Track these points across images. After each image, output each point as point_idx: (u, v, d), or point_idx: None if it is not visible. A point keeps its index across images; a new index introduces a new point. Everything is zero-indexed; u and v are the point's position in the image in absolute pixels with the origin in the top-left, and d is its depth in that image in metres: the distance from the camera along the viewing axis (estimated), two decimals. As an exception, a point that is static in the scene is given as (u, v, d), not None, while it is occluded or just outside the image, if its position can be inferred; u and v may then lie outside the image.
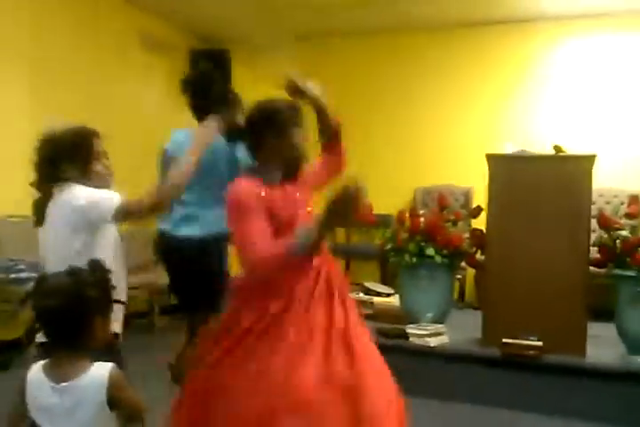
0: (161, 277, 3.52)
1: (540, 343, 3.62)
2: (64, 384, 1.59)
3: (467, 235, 4.24)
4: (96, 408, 1.58)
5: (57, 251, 2.07)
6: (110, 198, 2.03)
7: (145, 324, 5.40)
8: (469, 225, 4.68)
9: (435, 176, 5.91)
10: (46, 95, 4.81)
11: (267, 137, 2.00)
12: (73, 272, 1.64)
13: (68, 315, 1.59)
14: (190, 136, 2.37)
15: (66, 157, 2.12)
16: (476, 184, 5.17)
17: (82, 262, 1.71)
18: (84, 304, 1.60)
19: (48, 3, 4.87)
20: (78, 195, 2.04)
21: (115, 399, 1.60)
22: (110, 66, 5.44)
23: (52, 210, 2.10)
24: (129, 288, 2.27)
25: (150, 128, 4.92)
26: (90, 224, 2.04)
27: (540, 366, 3.62)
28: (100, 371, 1.61)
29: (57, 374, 1.61)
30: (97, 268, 1.69)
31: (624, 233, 3.62)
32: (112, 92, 5.37)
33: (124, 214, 2.04)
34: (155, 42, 5.92)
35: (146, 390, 1.90)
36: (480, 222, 4.21)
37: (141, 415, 1.66)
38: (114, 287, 1.71)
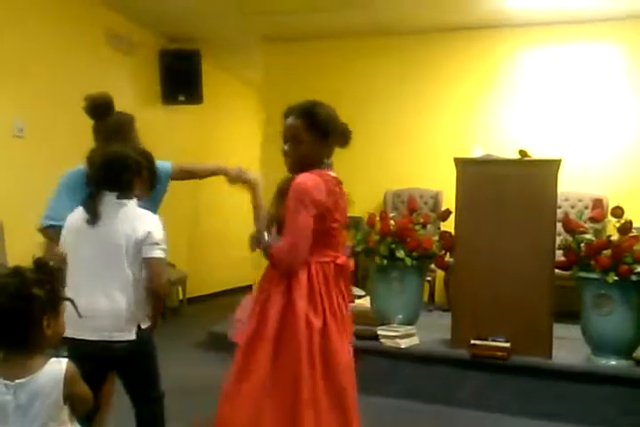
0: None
1: (507, 345, 3.68)
2: (19, 381, 1.58)
3: (436, 237, 4.29)
4: (51, 403, 1.59)
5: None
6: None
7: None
8: (438, 228, 4.74)
9: (404, 180, 5.96)
10: (17, 93, 4.74)
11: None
12: (17, 272, 1.62)
13: (14, 315, 1.58)
14: None
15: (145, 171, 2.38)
16: (446, 188, 5.22)
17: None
18: (29, 304, 1.59)
19: (20, 2, 4.81)
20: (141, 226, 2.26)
21: (69, 394, 1.62)
22: (81, 64, 5.38)
23: (113, 221, 2.26)
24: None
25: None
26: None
27: (508, 367, 3.68)
28: (56, 367, 1.62)
29: (10, 371, 1.59)
30: (42, 266, 1.67)
31: (588, 236, 3.70)
32: (86, 90, 5.29)
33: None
34: (122, 41, 5.86)
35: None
36: (449, 225, 4.27)
37: (89, 407, 1.71)
38: (62, 286, 1.70)
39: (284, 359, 2.03)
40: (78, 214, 2.31)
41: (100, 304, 2.21)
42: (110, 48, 5.75)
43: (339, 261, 2.17)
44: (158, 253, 2.24)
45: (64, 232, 2.34)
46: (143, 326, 2.28)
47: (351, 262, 2.24)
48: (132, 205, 2.31)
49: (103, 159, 2.32)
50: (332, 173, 2.16)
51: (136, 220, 2.26)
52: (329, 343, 2.05)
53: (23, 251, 4.30)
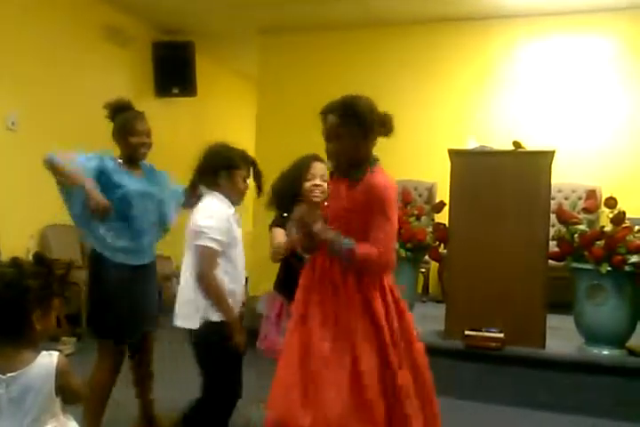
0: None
1: (501, 335, 3.70)
2: (11, 375, 1.59)
3: (430, 229, 4.30)
4: (44, 396, 1.60)
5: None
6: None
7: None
8: (432, 220, 4.75)
9: (399, 171, 5.91)
10: (10, 86, 4.72)
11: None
12: (16, 263, 1.65)
13: (8, 305, 1.59)
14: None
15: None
16: (440, 179, 5.22)
17: None
18: (24, 295, 1.60)
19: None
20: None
21: (61, 386, 1.63)
22: (75, 57, 5.36)
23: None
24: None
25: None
26: None
27: (502, 357, 3.70)
28: (48, 360, 1.63)
29: (2, 365, 1.60)
30: (41, 260, 1.69)
31: (581, 227, 3.71)
32: (80, 83, 5.31)
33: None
34: (117, 33, 5.83)
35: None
36: (443, 217, 4.27)
37: (81, 399, 1.74)
38: (56, 281, 1.72)
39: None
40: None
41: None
42: (104, 40, 5.72)
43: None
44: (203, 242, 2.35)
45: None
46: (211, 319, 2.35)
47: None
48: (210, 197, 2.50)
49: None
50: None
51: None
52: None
53: (15, 243, 4.33)
